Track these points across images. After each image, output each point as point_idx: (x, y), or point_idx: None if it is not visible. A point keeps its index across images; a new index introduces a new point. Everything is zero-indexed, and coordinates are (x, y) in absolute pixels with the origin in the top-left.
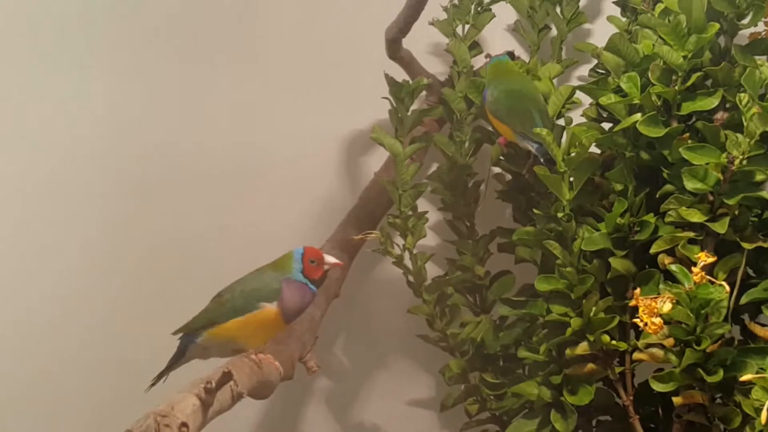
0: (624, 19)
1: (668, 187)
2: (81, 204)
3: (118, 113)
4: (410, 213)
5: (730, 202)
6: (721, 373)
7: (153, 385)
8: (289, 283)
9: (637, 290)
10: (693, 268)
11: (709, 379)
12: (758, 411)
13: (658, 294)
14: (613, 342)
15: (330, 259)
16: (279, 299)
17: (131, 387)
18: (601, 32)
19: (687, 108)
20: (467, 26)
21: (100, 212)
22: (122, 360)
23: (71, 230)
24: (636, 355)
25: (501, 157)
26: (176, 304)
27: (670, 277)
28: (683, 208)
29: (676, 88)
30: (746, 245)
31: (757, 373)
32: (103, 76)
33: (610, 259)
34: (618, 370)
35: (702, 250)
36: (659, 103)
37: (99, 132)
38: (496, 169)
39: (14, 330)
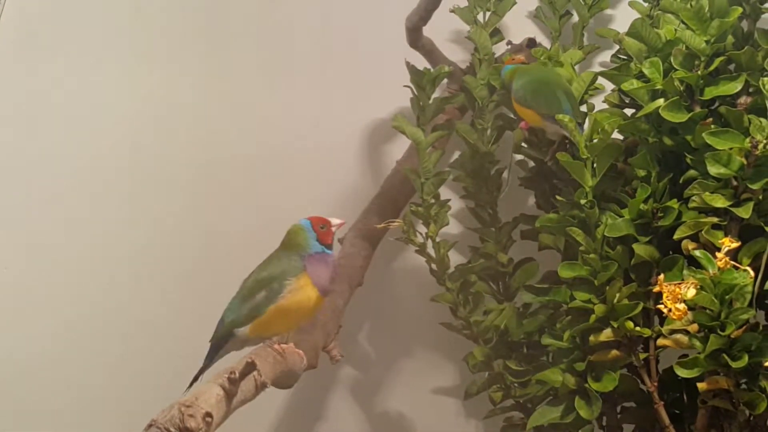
0: (646, 4)
1: (691, 172)
2: (105, 201)
3: (140, 104)
4: (433, 201)
5: (754, 186)
6: (745, 358)
7: (192, 384)
8: (310, 258)
9: (661, 276)
10: (717, 254)
11: (734, 365)
12: None
13: (682, 280)
14: (637, 328)
15: (335, 220)
16: (310, 277)
17: (156, 378)
18: (622, 17)
19: (710, 93)
20: (488, 13)
21: (127, 207)
22: (149, 350)
23: (94, 227)
24: (660, 341)
25: (523, 144)
26: (201, 297)
27: (693, 263)
28: (707, 193)
29: (699, 72)
30: None
31: None
32: (125, 65)
33: (634, 245)
34: (642, 356)
35: (726, 235)
36: (682, 88)
37: (123, 125)
38: (519, 156)
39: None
